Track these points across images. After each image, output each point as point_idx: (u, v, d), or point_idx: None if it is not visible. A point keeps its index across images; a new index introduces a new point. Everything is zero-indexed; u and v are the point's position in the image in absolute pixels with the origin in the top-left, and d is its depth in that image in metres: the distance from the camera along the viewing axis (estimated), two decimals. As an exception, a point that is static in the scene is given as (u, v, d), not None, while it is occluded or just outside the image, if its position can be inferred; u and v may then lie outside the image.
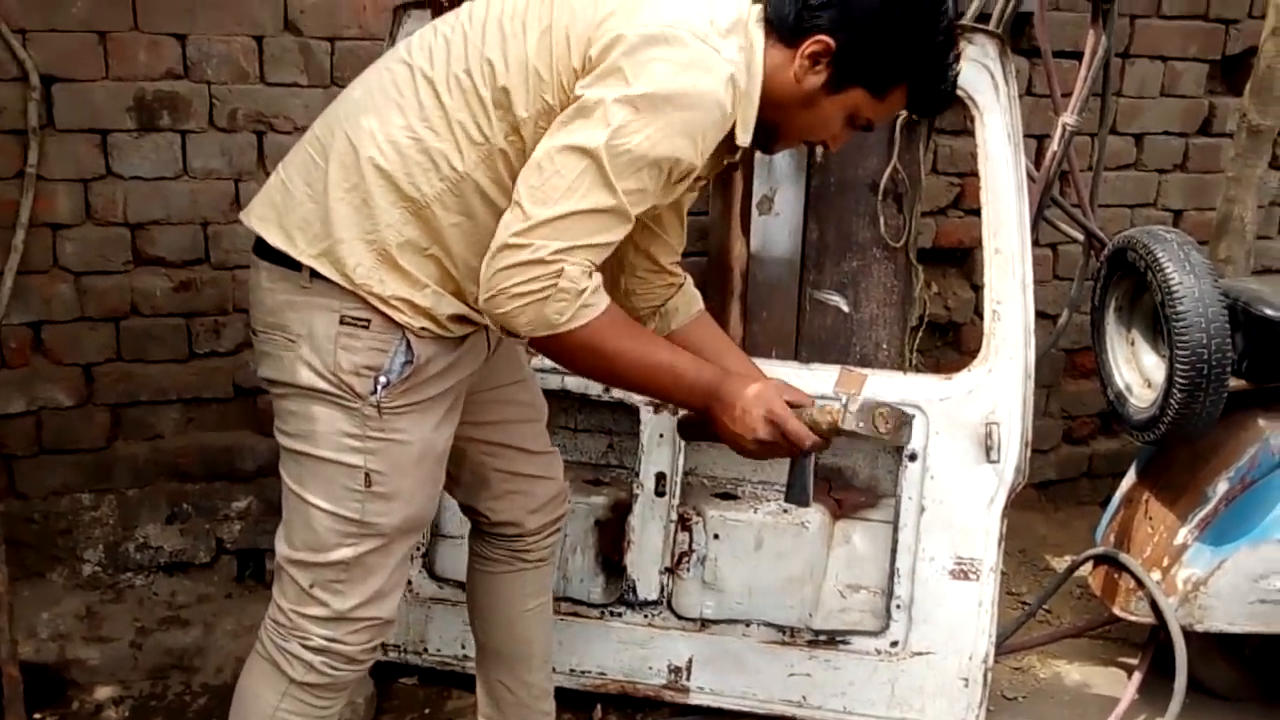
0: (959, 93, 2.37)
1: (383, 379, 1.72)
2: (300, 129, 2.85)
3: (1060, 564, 3.38)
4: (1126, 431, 2.74)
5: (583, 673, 2.53)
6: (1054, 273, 3.71)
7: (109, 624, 2.87)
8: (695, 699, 2.52)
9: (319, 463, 1.75)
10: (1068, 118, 2.77)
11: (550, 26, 1.67)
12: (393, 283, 1.71)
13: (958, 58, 1.77)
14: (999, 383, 2.40)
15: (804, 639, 2.49)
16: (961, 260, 3.62)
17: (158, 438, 3.05)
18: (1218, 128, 3.72)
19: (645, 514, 2.48)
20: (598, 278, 1.64)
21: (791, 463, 1.89)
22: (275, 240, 1.73)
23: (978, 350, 2.46)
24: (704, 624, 2.50)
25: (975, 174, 2.53)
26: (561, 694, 2.38)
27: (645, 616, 2.50)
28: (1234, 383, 2.49)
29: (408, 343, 1.73)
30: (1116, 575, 2.73)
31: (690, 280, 2.12)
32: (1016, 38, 3.39)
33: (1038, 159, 3.13)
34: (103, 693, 2.65)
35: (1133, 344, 2.76)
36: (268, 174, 2.21)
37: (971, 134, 2.44)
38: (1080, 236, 3.06)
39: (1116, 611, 2.72)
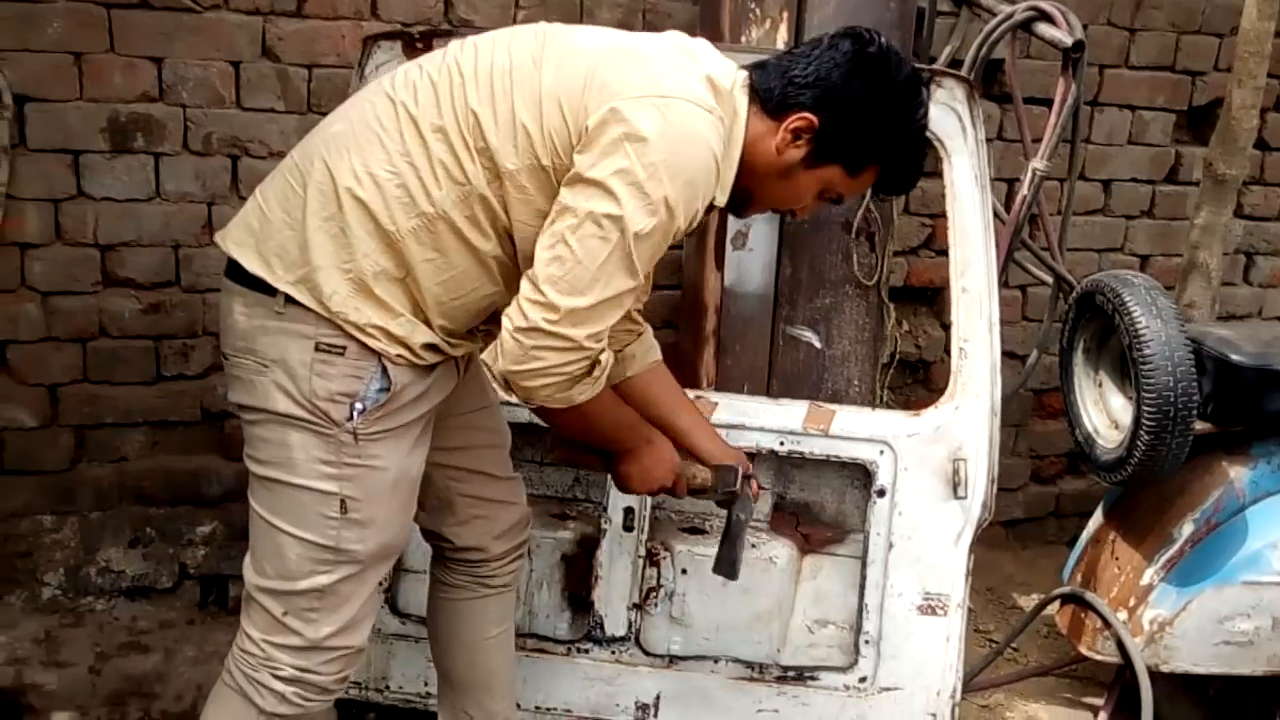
0: (928, 135, 2.40)
1: (358, 405, 1.72)
2: (276, 154, 2.85)
3: (1028, 603, 3.40)
4: (1094, 472, 2.76)
5: (548, 710, 2.50)
6: (1023, 314, 3.75)
7: (68, 649, 2.83)
8: (662, 735, 2.50)
9: (292, 489, 1.74)
10: (1038, 163, 2.80)
11: (540, 87, 1.70)
12: (369, 311, 1.71)
13: (927, 146, 1.88)
14: (966, 420, 2.42)
15: (772, 675, 2.48)
16: (932, 299, 3.65)
17: (122, 460, 3.01)
18: (1184, 176, 3.78)
19: (613, 549, 2.46)
20: (610, 354, 1.75)
21: (724, 534, 1.99)
22: (252, 266, 1.73)
23: (947, 388, 2.47)
24: (672, 660, 2.49)
25: (946, 215, 2.56)
26: (527, 730, 2.36)
27: (613, 653, 2.49)
28: (1200, 426, 2.52)
29: (384, 369, 1.73)
30: (1083, 615, 2.74)
31: (650, 330, 2.14)
32: (989, 84, 3.44)
33: (1008, 203, 3.16)
34: (60, 719, 2.60)
35: (1100, 386, 2.79)
36: (242, 198, 2.22)
37: (942, 175, 2.47)
38: (1049, 279, 3.09)
39: (1083, 651, 2.73)
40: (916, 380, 3.70)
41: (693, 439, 2.10)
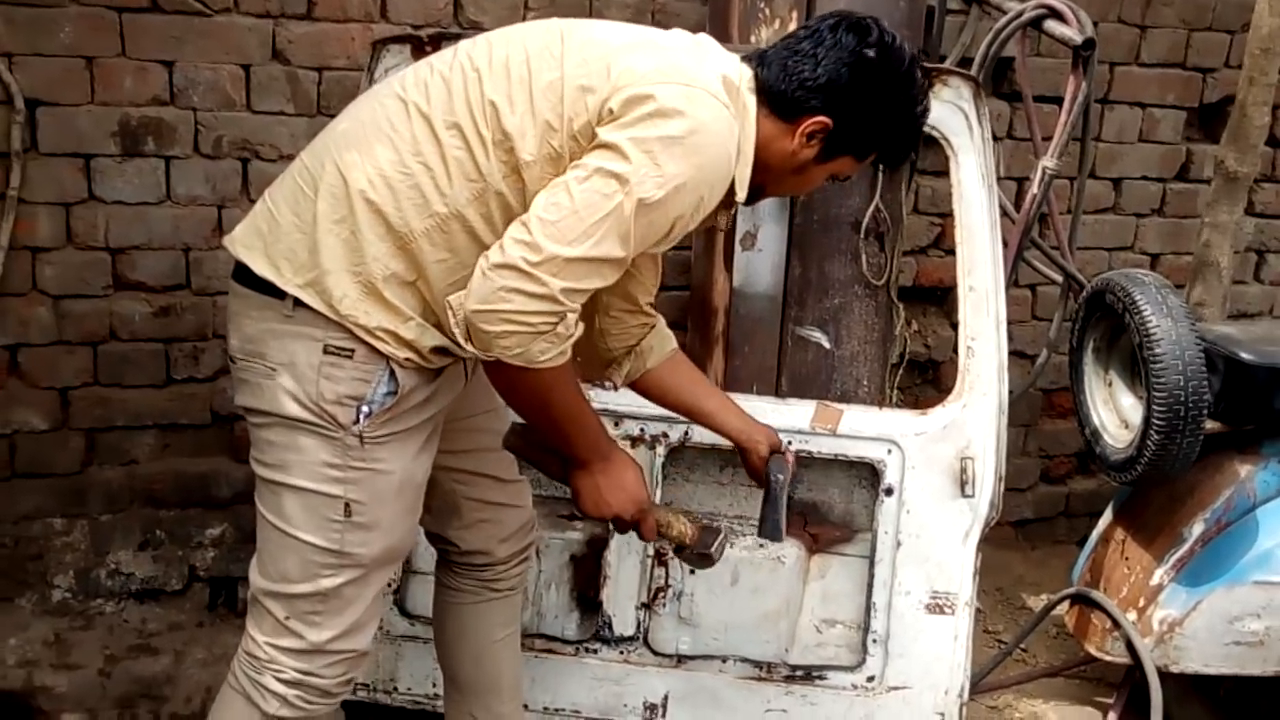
0: (934, 134, 2.42)
1: (365, 409, 1.72)
2: (286, 157, 2.85)
3: (1037, 603, 3.39)
4: (1104, 472, 2.75)
5: (557, 710, 2.50)
6: (1033, 313, 3.74)
7: (78, 651, 2.83)
8: (671, 735, 2.50)
9: (298, 492, 1.74)
10: (1048, 161, 2.79)
11: (563, 77, 1.69)
12: (378, 314, 1.71)
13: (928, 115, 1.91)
14: (973, 418, 2.42)
15: (780, 674, 2.48)
16: (941, 299, 3.64)
17: (133, 463, 3.02)
18: (1195, 174, 3.77)
19: (621, 549, 2.47)
20: (581, 326, 1.68)
21: (764, 498, 1.94)
22: (260, 269, 1.72)
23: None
24: (680, 660, 2.49)
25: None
26: (535, 731, 2.36)
27: (621, 653, 2.49)
28: (1210, 425, 2.52)
29: (392, 372, 1.73)
30: (1093, 615, 2.73)
31: (663, 320, 2.13)
32: (998, 82, 3.43)
33: (1018, 201, 3.16)
34: (70, 721, 2.61)
35: (1110, 385, 2.78)
36: (252, 201, 2.22)
37: (949, 175, 2.46)
38: (1059, 278, 3.09)
39: (1092, 651, 2.72)
40: (926, 380, 3.69)
41: (720, 420, 2.11)
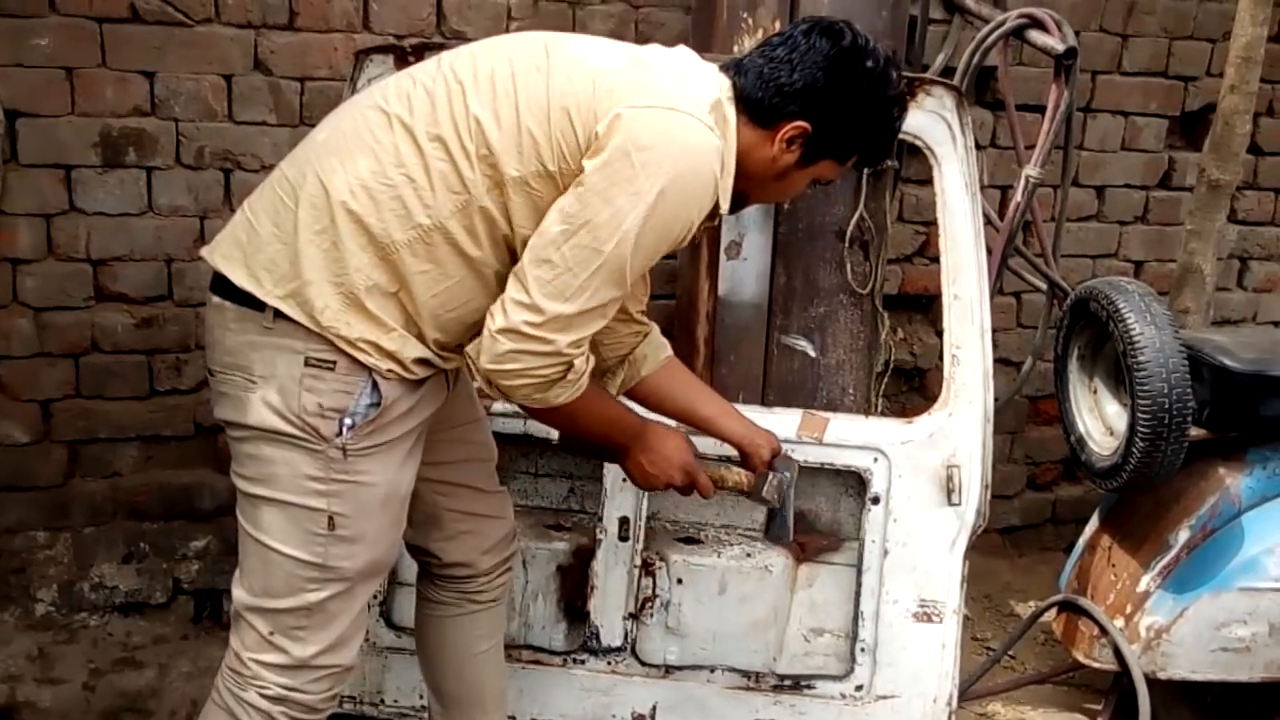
0: (918, 143, 2.43)
1: (348, 420, 1.71)
2: (268, 167, 2.83)
3: (1025, 610, 3.39)
4: (1089, 479, 2.76)
5: (544, 720, 2.50)
6: (1018, 321, 3.74)
7: (61, 665, 2.81)
8: (659, 746, 2.49)
9: (280, 506, 1.73)
10: (1031, 170, 2.80)
11: (548, 93, 1.69)
12: (360, 326, 1.70)
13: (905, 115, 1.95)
14: (959, 426, 2.42)
15: (768, 684, 2.47)
16: (926, 307, 3.65)
17: (115, 475, 3.01)
18: (1177, 181, 3.78)
19: (608, 559, 2.46)
20: (591, 359, 1.74)
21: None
22: (240, 280, 1.71)
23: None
24: (668, 670, 2.48)
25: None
26: (522, 741, 2.35)
27: (608, 663, 2.48)
28: (1195, 432, 2.52)
29: (374, 383, 1.72)
30: (1080, 622, 2.74)
31: (656, 328, 2.14)
32: (981, 91, 3.44)
33: (1002, 210, 3.16)
34: (53, 736, 2.59)
35: (1095, 392, 2.79)
36: (234, 212, 2.21)
37: (933, 183, 2.47)
38: (1043, 286, 3.09)
39: (1080, 658, 2.72)
40: (912, 388, 3.70)
41: (719, 426, 2.12)
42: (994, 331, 2.52)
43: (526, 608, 2.52)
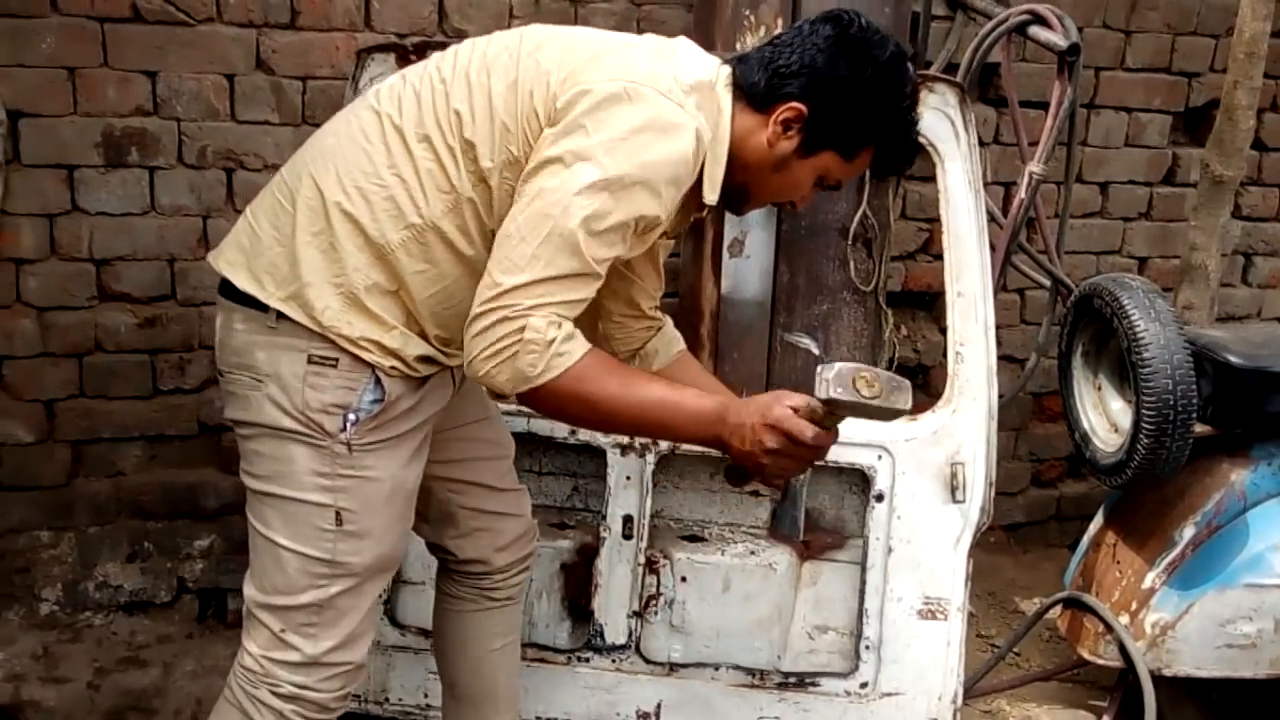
0: (921, 140, 2.41)
1: (352, 416, 1.72)
2: (270, 167, 2.84)
3: (1029, 607, 3.39)
4: (1094, 476, 2.75)
5: (549, 719, 2.49)
6: (1022, 318, 3.74)
7: (66, 664, 2.81)
8: (663, 744, 2.49)
9: (288, 503, 1.74)
10: (1034, 166, 2.80)
11: (517, 80, 1.69)
12: (361, 324, 1.71)
13: (918, 118, 1.84)
14: (963, 423, 2.42)
15: (773, 681, 2.47)
16: (930, 304, 3.64)
17: (119, 475, 3.01)
18: (1181, 178, 3.77)
19: (612, 557, 2.46)
20: (568, 327, 1.63)
21: (783, 493, 1.91)
22: (243, 284, 1.73)
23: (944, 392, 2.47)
24: (672, 668, 2.48)
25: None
26: (527, 740, 2.35)
27: (613, 661, 2.48)
28: (1199, 428, 2.52)
29: (377, 379, 1.73)
30: (1085, 619, 2.73)
31: (670, 322, 2.14)
32: (985, 88, 3.43)
33: (1005, 206, 3.16)
34: (58, 735, 2.59)
35: (1099, 389, 2.78)
36: (237, 211, 2.22)
37: (936, 180, 2.47)
38: (1047, 283, 3.09)
39: (1085, 655, 2.72)
40: (916, 385, 3.68)
41: None
42: (998, 328, 2.51)
43: (531, 606, 2.51)
